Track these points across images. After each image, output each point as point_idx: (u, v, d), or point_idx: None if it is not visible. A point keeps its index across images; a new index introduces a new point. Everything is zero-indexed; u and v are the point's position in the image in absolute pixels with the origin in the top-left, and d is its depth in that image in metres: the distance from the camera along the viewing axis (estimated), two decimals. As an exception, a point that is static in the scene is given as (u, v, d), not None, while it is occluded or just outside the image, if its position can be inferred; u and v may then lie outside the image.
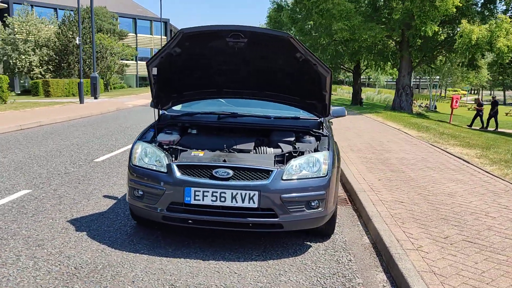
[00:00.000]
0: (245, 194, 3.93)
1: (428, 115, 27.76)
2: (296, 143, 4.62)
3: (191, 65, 4.64)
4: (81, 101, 22.55)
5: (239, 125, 4.87)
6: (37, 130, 12.83)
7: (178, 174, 4.04)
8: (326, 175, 4.14)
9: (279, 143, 4.54)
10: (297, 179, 4.06)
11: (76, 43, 31.07)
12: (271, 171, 4.00)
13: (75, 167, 7.74)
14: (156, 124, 4.98)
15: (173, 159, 4.26)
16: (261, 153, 4.40)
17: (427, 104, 50.63)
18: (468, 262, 3.91)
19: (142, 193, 4.21)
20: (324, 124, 4.99)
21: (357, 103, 32.80)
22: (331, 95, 4.64)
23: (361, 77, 43.41)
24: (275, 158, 4.23)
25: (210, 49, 4.42)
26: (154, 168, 4.19)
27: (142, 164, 4.28)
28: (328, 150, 4.34)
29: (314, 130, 4.80)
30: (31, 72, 40.01)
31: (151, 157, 4.27)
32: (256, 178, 3.99)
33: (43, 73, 39.70)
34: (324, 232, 4.65)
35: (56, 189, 6.23)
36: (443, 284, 3.47)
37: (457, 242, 4.35)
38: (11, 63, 40.27)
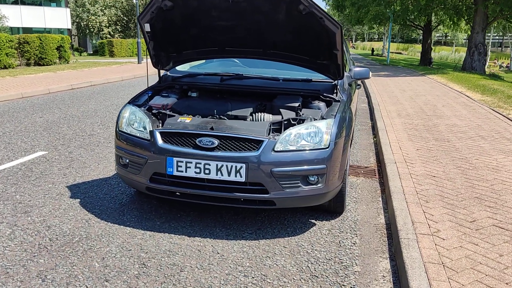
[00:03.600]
0: (231, 166, 3.50)
1: (503, 77, 25.44)
2: (303, 109, 4.07)
3: (186, 21, 4.17)
4: (139, 61, 22.78)
5: (242, 88, 4.38)
6: (86, 90, 13.01)
7: (160, 142, 3.67)
8: (328, 147, 3.60)
9: (281, 109, 4.02)
10: (293, 150, 3.55)
11: (133, 2, 31.27)
12: (261, 141, 3.52)
13: (102, 129, 7.64)
14: (155, 86, 4.62)
15: (161, 125, 3.88)
16: (258, 120, 3.91)
17: (508, 64, 46.72)
18: (491, 253, 3.27)
19: (127, 161, 3.90)
20: (339, 87, 4.37)
21: (425, 63, 30.71)
22: (345, 53, 4.00)
23: (436, 34, 40.64)
24: (270, 126, 3.73)
25: (205, 2, 3.92)
26: (139, 134, 3.84)
27: (129, 129, 3.94)
28: (334, 117, 3.76)
29: (325, 94, 4.22)
30: (101, 32, 41.19)
31: (139, 122, 3.92)
32: (244, 149, 3.53)
33: (112, 33, 40.73)
34: (331, 209, 4.14)
35: (72, 152, 6.12)
36: (450, 280, 2.89)
37: (484, 228, 3.69)
38: (83, 25, 41.65)
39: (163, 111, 3.98)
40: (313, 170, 3.56)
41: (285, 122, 3.77)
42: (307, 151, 3.57)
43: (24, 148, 6.26)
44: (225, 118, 3.92)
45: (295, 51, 4.22)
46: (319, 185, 3.62)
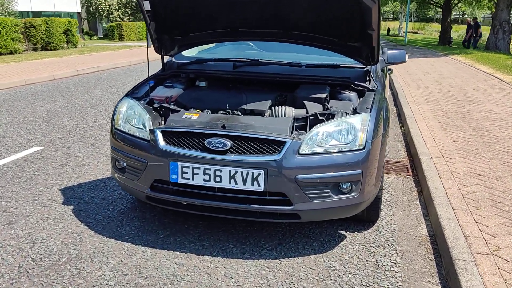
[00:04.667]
0: (247, 173, 2.89)
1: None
2: (330, 101, 3.43)
3: (191, -3, 3.52)
4: (148, 45, 22.10)
5: (258, 76, 3.74)
6: (92, 76, 12.45)
7: (162, 143, 3.07)
8: (364, 148, 2.96)
9: (305, 102, 3.38)
10: (321, 153, 2.92)
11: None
12: (283, 142, 2.89)
13: (105, 119, 7.07)
14: (158, 75, 3.99)
15: (163, 122, 3.27)
16: (277, 115, 3.27)
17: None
18: None
19: (124, 164, 3.31)
20: (372, 74, 3.71)
21: (444, 43, 29.56)
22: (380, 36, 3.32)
23: (453, 13, 39.27)
24: (293, 123, 3.10)
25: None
26: (137, 134, 3.24)
27: (126, 127, 3.34)
28: (370, 111, 3.11)
29: (356, 82, 3.56)
30: (110, 16, 40.55)
31: (138, 119, 3.31)
32: (262, 152, 2.91)
33: (121, 16, 40.08)
34: (364, 218, 3.52)
35: (70, 147, 5.55)
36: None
37: (555, 246, 3.05)
38: (92, 8, 40.98)
39: (166, 105, 3.37)
40: (345, 176, 2.93)
41: (311, 117, 3.13)
42: (338, 154, 2.94)
43: (19, 143, 5.72)
44: (239, 113, 3.29)
45: (320, 32, 3.55)
46: (352, 194, 2.99)
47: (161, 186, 3.14)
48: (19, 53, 17.84)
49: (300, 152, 2.89)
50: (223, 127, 3.00)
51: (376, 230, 3.50)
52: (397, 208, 3.92)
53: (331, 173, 2.91)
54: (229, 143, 2.92)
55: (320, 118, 3.12)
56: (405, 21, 35.69)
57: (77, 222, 3.57)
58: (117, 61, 15.26)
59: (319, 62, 3.93)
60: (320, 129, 2.97)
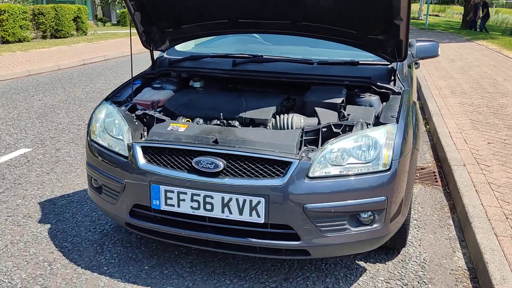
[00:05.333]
0: (244, 201, 2.34)
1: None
2: (347, 107, 2.84)
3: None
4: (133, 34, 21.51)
5: (261, 76, 3.16)
6: (98, 66, 11.96)
7: (142, 161, 2.52)
8: (389, 168, 2.37)
9: (316, 108, 2.79)
10: (336, 176, 2.35)
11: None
12: (289, 162, 2.32)
13: (103, 116, 6.55)
14: (145, 73, 3.44)
15: (146, 134, 2.73)
16: (282, 126, 2.69)
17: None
18: None
19: (101, 184, 2.78)
20: (398, 73, 3.09)
21: (468, 27, 28.33)
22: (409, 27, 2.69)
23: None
24: (302, 136, 2.52)
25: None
26: (116, 148, 2.70)
27: (104, 139, 2.80)
28: (397, 122, 2.52)
29: (379, 83, 2.96)
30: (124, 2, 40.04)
31: (118, 128, 2.77)
32: (263, 175, 2.35)
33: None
34: (388, 245, 2.95)
35: (60, 148, 5.05)
36: None
37: None
38: (105, -6, 40.48)
39: (150, 113, 2.81)
40: (366, 204, 2.36)
41: (323, 129, 2.55)
42: (357, 176, 2.36)
43: (7, 144, 5.24)
44: (236, 123, 2.72)
45: (336, 22, 2.95)
46: (375, 225, 2.42)
47: (142, 213, 2.60)
48: (28, 41, 17.43)
49: (310, 175, 2.32)
50: (215, 142, 2.44)
51: (402, 260, 2.93)
52: (426, 229, 3.33)
53: (349, 201, 2.33)
54: (222, 164, 2.36)
55: (335, 130, 2.54)
56: (425, 3, 34.44)
57: (51, 246, 3.06)
58: (125, 49, 14.75)
59: (334, 58, 3.33)
60: (335, 145, 2.39)
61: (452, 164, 4.20)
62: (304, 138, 2.53)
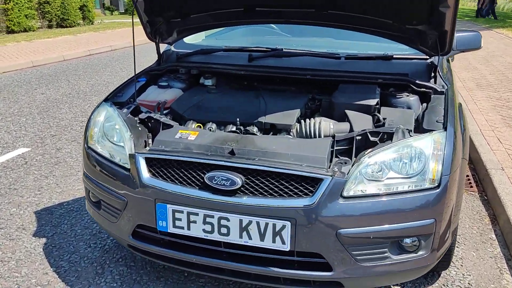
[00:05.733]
0: (266, 224, 1.97)
1: None
2: (381, 109, 2.45)
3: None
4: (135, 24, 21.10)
5: (281, 73, 2.78)
6: (104, 56, 11.61)
7: (146, 175, 2.16)
8: (438, 185, 1.99)
9: (347, 112, 2.41)
10: (375, 195, 1.97)
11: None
12: (319, 179, 1.95)
13: (108, 111, 6.21)
14: (150, 69, 3.07)
15: (150, 142, 2.36)
16: (309, 133, 2.31)
17: None
18: None
19: (98, 198, 2.43)
20: (439, 70, 2.69)
21: (484, 14, 27.51)
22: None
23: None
24: (332, 146, 2.14)
25: None
26: (114, 158, 2.34)
27: (101, 146, 2.44)
28: (445, 129, 2.13)
29: (418, 81, 2.56)
30: (131, -10, 39.62)
31: (118, 134, 2.41)
32: (289, 193, 1.97)
33: (141, -10, 39.09)
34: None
35: (61, 148, 4.72)
36: None
37: None
38: (112, -17, 40.03)
39: (155, 116, 2.44)
40: (411, 228, 1.99)
41: (358, 137, 2.17)
42: (400, 195, 1.98)
43: (5, 143, 4.92)
44: (255, 129, 2.35)
45: (368, 11, 2.55)
46: (420, 252, 2.05)
47: (147, 234, 2.25)
48: (33, 30, 17.12)
49: (344, 195, 1.95)
50: (232, 153, 2.07)
51: (444, 285, 2.55)
52: (468, 245, 2.96)
53: (390, 225, 1.96)
54: (239, 180, 1.99)
55: (371, 139, 2.16)
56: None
57: (45, 266, 2.73)
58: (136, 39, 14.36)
59: (363, 52, 2.93)
60: (374, 158, 2.01)
61: (489, 168, 3.80)
62: (335, 149, 2.14)
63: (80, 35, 15.50)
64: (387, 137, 2.15)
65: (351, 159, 2.11)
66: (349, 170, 2.00)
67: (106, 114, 2.54)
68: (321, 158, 2.01)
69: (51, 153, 4.58)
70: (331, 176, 1.94)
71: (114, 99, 2.70)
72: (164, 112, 2.62)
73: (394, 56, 2.78)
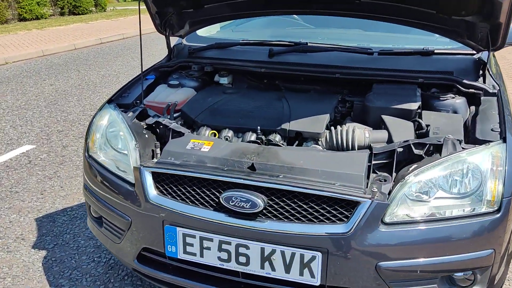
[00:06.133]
0: (293, 255, 1.68)
1: None
2: (423, 114, 2.12)
3: None
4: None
5: (305, 71, 2.46)
6: (115, 45, 11.34)
7: (153, 192, 1.87)
8: (499, 209, 1.67)
9: (383, 117, 2.08)
10: (422, 221, 1.66)
11: None
12: (356, 203, 1.64)
13: (117, 104, 5.94)
14: (160, 65, 2.77)
15: (157, 152, 2.07)
16: (340, 144, 1.99)
17: None
18: None
19: (99, 214, 2.16)
20: (489, 67, 2.34)
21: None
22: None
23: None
24: (370, 160, 1.82)
25: None
26: (118, 170, 2.06)
27: (104, 154, 2.16)
28: (504, 140, 1.80)
29: (466, 81, 2.22)
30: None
31: (123, 142, 2.12)
32: (319, 219, 1.67)
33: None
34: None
35: (67, 146, 4.46)
36: None
37: None
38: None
39: (164, 122, 2.14)
40: (466, 261, 1.67)
41: (399, 149, 1.85)
42: (453, 221, 1.67)
43: (9, 139, 4.68)
44: (277, 137, 2.04)
45: (409, 0, 2.21)
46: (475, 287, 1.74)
47: (154, 259, 1.97)
48: (45, 18, 16.89)
49: (386, 221, 1.64)
50: (252, 169, 1.77)
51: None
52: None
53: (441, 257, 1.65)
54: (261, 201, 1.69)
55: (416, 151, 1.84)
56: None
57: (43, 284, 2.48)
58: (145, 27, 14.04)
59: (399, 46, 2.59)
60: (420, 177, 1.70)
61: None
62: (372, 164, 1.83)
63: (92, 23, 15.24)
64: (435, 150, 1.83)
65: (391, 175, 1.80)
66: (391, 190, 1.69)
67: (109, 118, 2.25)
68: (357, 176, 1.70)
69: (57, 151, 4.33)
70: (370, 199, 1.62)
71: (119, 100, 2.41)
72: (175, 115, 2.32)
73: (435, 51, 2.44)
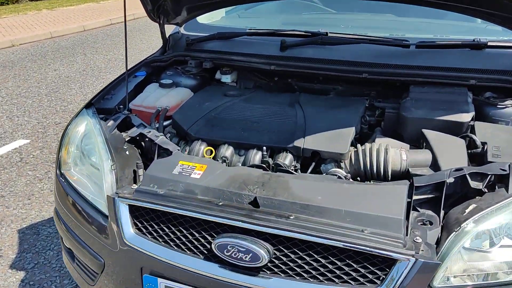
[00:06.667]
0: (306, 324, 1.26)
1: None
2: (476, 126, 1.65)
3: None
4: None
5: (326, 70, 2.00)
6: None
7: (129, 230, 1.47)
8: None
9: (425, 131, 1.63)
10: (485, 286, 1.23)
11: None
12: (393, 260, 1.21)
13: (122, 92, 5.55)
14: (152, 59, 2.34)
15: (139, 173, 1.66)
16: (369, 168, 1.54)
17: None
18: None
19: (70, 248, 1.77)
20: None
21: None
22: None
23: None
24: (410, 196, 1.37)
25: None
26: (93, 195, 1.66)
27: (79, 170, 1.77)
28: None
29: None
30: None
31: (99, 158, 1.71)
32: (341, 278, 1.25)
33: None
34: None
35: (63, 142, 4.09)
36: None
37: None
38: None
39: (149, 135, 1.73)
40: None
41: (450, 180, 1.39)
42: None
43: (3, 132, 4.35)
44: (288, 158, 1.60)
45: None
46: None
47: (133, 310, 1.58)
48: (58, -3, 16.50)
49: (435, 286, 1.21)
50: (254, 204, 1.35)
51: None
52: None
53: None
54: (265, 253, 1.28)
55: (472, 184, 1.39)
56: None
57: (17, 318, 2.12)
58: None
59: (442, 36, 2.11)
60: (483, 225, 1.26)
61: None
62: (413, 198, 1.39)
63: (103, 2, 14.79)
64: (498, 181, 1.38)
65: (438, 215, 1.36)
66: (439, 238, 1.26)
67: (86, 127, 1.84)
68: (394, 220, 1.27)
69: (51, 147, 3.97)
70: (413, 256, 1.19)
71: (101, 103, 2.01)
72: (165, 123, 1.91)
73: (488, 44, 1.96)
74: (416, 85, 1.86)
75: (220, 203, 1.38)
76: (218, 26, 2.46)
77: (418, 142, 1.66)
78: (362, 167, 1.56)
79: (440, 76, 1.84)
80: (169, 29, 2.45)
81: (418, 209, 1.40)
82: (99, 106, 1.98)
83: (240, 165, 1.64)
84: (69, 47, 8.48)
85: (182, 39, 2.40)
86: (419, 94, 1.80)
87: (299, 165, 1.61)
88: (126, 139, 1.78)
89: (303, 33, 2.17)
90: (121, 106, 1.94)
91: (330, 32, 2.13)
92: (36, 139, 4.16)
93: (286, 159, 1.60)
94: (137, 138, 1.77)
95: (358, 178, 1.59)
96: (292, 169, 1.57)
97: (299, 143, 1.61)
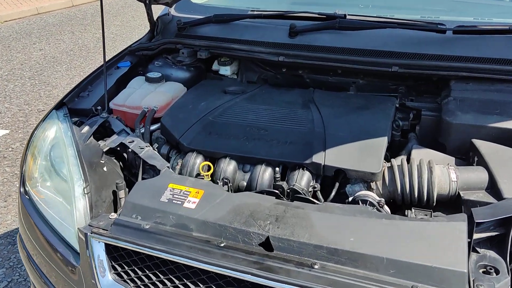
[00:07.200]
0: None
1: None
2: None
3: None
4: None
5: (344, 62, 1.66)
6: (116, 1, 10.39)
7: (106, 276, 1.15)
8: None
9: (476, 143, 1.30)
10: None
11: None
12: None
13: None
14: (138, 47, 1.99)
15: (120, 197, 1.33)
16: (408, 193, 1.22)
17: None
18: None
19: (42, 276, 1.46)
20: None
21: None
22: None
23: None
24: (470, 232, 1.05)
25: None
26: (60, 220, 1.33)
27: (47, 189, 1.44)
28: None
29: None
30: None
31: (68, 178, 1.38)
32: None
33: None
34: None
35: (45, 132, 3.74)
36: None
37: None
38: None
39: (132, 146, 1.40)
40: None
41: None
42: None
43: (-20, 122, 3.98)
44: (306, 178, 1.27)
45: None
46: None
47: None
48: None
49: None
50: (267, 247, 1.04)
51: None
52: None
53: None
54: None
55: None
56: None
57: None
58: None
59: (484, 18, 1.76)
60: None
61: None
62: (473, 237, 1.07)
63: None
64: None
65: (505, 259, 1.05)
66: None
67: (56, 134, 1.51)
68: (455, 274, 0.95)
69: (32, 138, 3.62)
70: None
71: (75, 102, 1.67)
72: (153, 127, 1.57)
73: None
74: (457, 80, 1.52)
75: (222, 244, 1.06)
76: (215, 6, 2.09)
77: (465, 154, 1.34)
78: (399, 189, 1.23)
79: (488, 70, 1.50)
80: (158, 10, 2.09)
81: (477, 250, 1.09)
82: (73, 106, 1.64)
83: (245, 184, 1.32)
84: (56, 24, 8.04)
85: (172, 22, 2.03)
86: (464, 92, 1.47)
87: (318, 185, 1.29)
88: (104, 150, 1.45)
89: (316, 15, 1.80)
90: (99, 108, 1.60)
91: (349, 14, 1.77)
92: (16, 129, 3.81)
93: (303, 178, 1.27)
94: (117, 149, 1.44)
95: (391, 200, 1.27)
96: (311, 192, 1.25)
97: (319, 158, 1.28)
